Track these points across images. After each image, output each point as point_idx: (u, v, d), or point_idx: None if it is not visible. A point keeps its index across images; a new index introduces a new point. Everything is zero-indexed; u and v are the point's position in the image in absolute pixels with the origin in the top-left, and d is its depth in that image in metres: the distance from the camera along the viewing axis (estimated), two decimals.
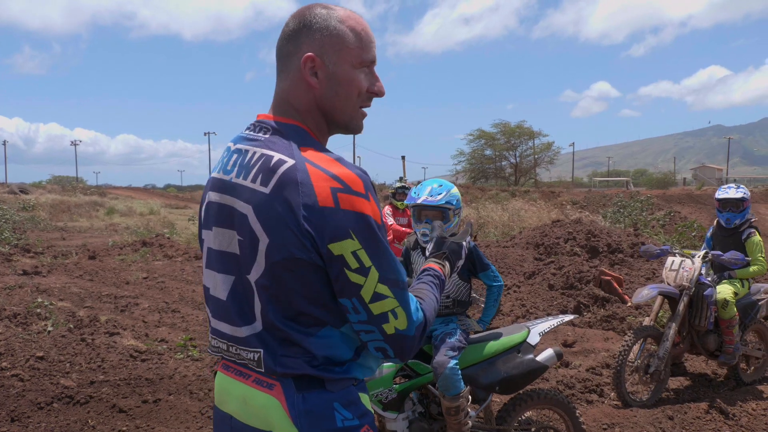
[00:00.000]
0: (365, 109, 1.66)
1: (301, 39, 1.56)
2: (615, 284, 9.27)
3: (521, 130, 71.09)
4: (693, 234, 13.96)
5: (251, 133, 1.59)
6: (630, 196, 24.27)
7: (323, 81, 1.56)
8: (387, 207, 9.58)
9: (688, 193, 35.70)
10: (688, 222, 15.88)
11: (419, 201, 3.65)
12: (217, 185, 1.60)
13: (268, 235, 1.43)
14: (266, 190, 1.44)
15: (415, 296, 1.60)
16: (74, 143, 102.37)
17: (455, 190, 3.74)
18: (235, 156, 1.58)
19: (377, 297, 1.43)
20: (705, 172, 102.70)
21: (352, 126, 1.66)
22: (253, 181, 1.48)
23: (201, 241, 1.71)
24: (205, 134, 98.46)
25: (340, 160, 1.47)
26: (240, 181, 1.52)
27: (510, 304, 9.29)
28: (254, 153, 1.52)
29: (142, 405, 4.90)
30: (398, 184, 9.81)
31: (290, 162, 1.44)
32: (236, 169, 1.55)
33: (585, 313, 8.89)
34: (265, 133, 1.55)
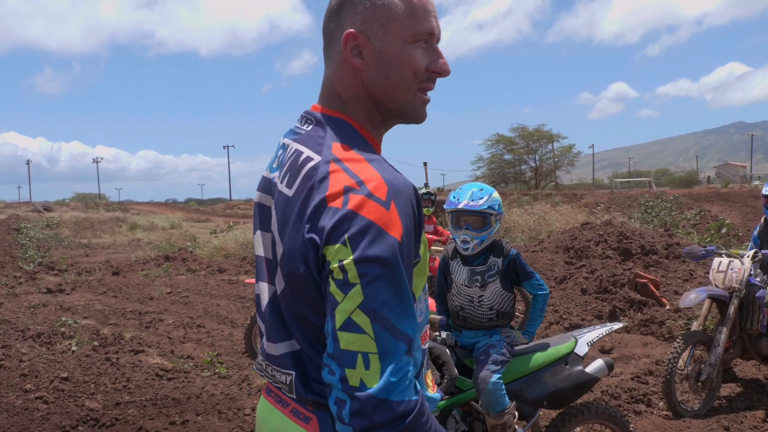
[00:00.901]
0: (429, 93, 1.40)
1: (343, 15, 1.34)
2: (651, 287, 8.95)
3: (540, 134, 70.50)
4: (723, 231, 13.55)
5: (298, 125, 1.41)
6: (656, 196, 23.79)
7: (370, 61, 1.33)
8: None
9: (715, 191, 35.05)
10: (720, 220, 15.45)
11: (460, 206, 3.43)
12: (262, 184, 1.45)
13: (282, 243, 1.26)
14: (290, 191, 1.27)
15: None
16: (96, 161, 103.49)
17: (497, 195, 3.51)
18: (280, 152, 1.42)
19: (350, 325, 1.10)
20: (728, 170, 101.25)
21: (410, 114, 1.39)
22: (282, 180, 1.32)
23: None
24: (224, 147, 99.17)
25: (375, 161, 1.23)
26: (276, 180, 1.36)
27: None
28: (291, 149, 1.36)
29: (170, 427, 4.71)
30: (423, 190, 9.60)
31: (316, 159, 1.25)
32: (278, 167, 1.39)
33: (622, 318, 8.58)
34: (308, 126, 1.37)
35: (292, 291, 1.26)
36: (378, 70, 1.33)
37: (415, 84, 1.36)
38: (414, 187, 1.24)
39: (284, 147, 1.40)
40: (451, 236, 3.62)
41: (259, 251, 1.41)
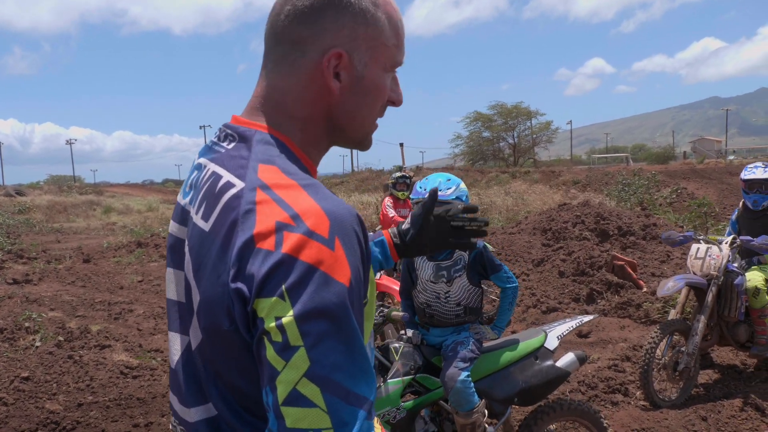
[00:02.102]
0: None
1: (323, 22, 1.10)
2: (629, 269, 8.89)
3: (518, 111, 70.47)
4: (704, 211, 13.56)
5: (217, 141, 1.18)
6: (633, 174, 23.83)
7: (346, 86, 1.13)
8: (388, 198, 9.21)
9: (692, 167, 35.28)
10: (698, 200, 15.47)
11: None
12: (177, 212, 1.20)
13: (199, 289, 1.02)
14: (206, 225, 1.03)
15: None
16: (70, 142, 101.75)
17: (464, 186, 3.37)
18: (194, 173, 1.18)
19: (297, 398, 0.89)
20: (704, 145, 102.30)
21: (366, 144, 1.24)
22: (197, 210, 1.08)
23: None
24: (200, 127, 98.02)
25: (311, 187, 1.01)
26: (189, 208, 1.13)
27: (519, 294, 8.90)
28: (207, 170, 1.12)
29: (133, 429, 4.53)
30: (398, 174, 9.40)
31: (238, 186, 1.01)
32: (191, 192, 1.15)
33: (599, 301, 8.52)
34: (229, 143, 1.13)
35: (212, 347, 1.03)
36: (353, 97, 1.15)
37: (379, 114, 1.21)
38: (357, 215, 1.03)
39: (199, 168, 1.16)
40: None
41: (171, 294, 1.17)
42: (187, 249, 1.08)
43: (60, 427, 4.53)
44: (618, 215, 11.35)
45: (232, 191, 1.01)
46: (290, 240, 0.92)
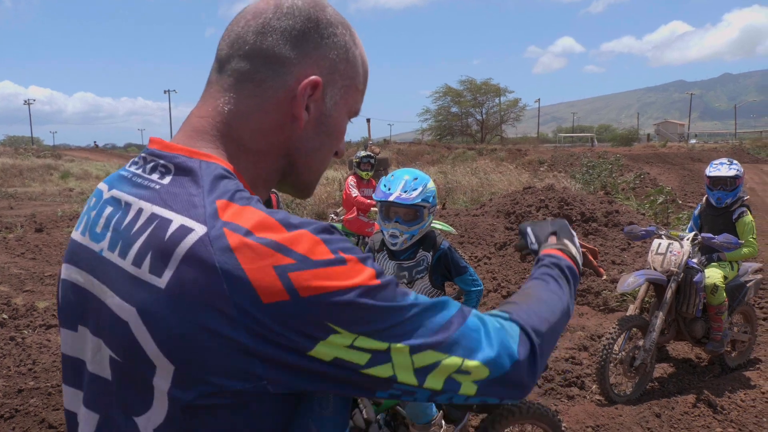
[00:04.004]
0: None
1: (306, 47, 0.98)
2: (590, 256, 8.82)
3: (487, 87, 70.57)
4: (664, 199, 13.70)
5: (140, 171, 0.97)
6: (598, 156, 24.02)
7: (312, 121, 1.01)
8: (351, 177, 9.04)
9: (655, 151, 35.73)
10: (657, 189, 15.62)
11: (391, 198, 3.11)
12: (79, 255, 0.99)
13: (171, 359, 0.83)
14: (160, 282, 0.84)
15: (503, 306, 1.04)
16: (28, 102, 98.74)
17: (432, 185, 3.21)
18: (109, 210, 0.96)
19: (426, 371, 0.88)
20: (667, 127, 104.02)
21: (312, 190, 1.11)
22: (137, 263, 0.87)
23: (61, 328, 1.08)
24: (165, 92, 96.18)
25: (282, 218, 0.87)
26: (115, 258, 0.91)
27: (481, 278, 8.86)
28: (140, 211, 0.91)
29: None
30: (362, 153, 9.22)
31: (199, 230, 0.84)
32: (109, 234, 0.93)
33: None
34: (162, 176, 0.93)
35: (204, 420, 0.85)
36: (316, 134, 1.03)
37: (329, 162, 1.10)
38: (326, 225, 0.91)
39: (116, 204, 0.96)
40: (379, 227, 3.32)
41: (68, 350, 1.00)
42: (130, 312, 0.86)
43: None
44: (581, 201, 11.38)
45: (191, 238, 0.83)
46: (300, 280, 0.81)
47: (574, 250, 1.30)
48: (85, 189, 24.93)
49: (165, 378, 0.83)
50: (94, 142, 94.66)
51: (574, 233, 1.40)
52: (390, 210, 3.19)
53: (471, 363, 0.90)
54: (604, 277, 8.79)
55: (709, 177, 5.55)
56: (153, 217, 0.88)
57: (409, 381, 0.87)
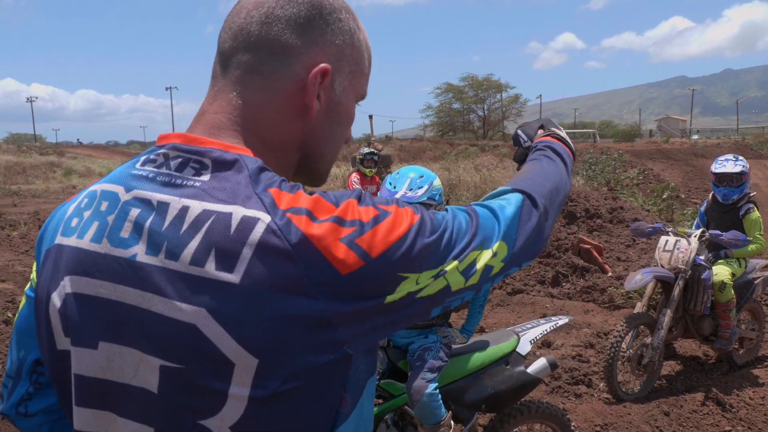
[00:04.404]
0: None
1: (312, 34, 0.97)
2: (595, 253, 8.88)
3: (489, 83, 70.44)
4: (669, 195, 13.66)
5: (162, 170, 0.92)
6: (600, 152, 23.96)
7: (323, 109, 1.00)
8: (354, 174, 9.03)
9: (657, 147, 35.65)
10: (661, 185, 15.58)
11: (397, 196, 3.08)
12: (94, 265, 0.90)
13: (255, 353, 0.82)
14: (232, 278, 0.82)
15: (513, 180, 1.14)
16: (30, 99, 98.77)
17: (438, 182, 3.18)
18: (136, 212, 0.89)
19: (469, 269, 0.95)
20: (669, 123, 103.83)
21: (324, 178, 1.10)
22: (198, 263, 0.83)
23: (52, 354, 0.98)
24: (166, 89, 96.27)
25: (329, 198, 0.90)
26: (160, 261, 0.85)
27: None
28: (184, 209, 0.86)
29: None
30: (366, 150, 9.21)
31: (264, 219, 0.83)
32: (145, 238, 0.87)
33: (564, 284, 8.51)
34: (197, 172, 0.89)
35: (278, 405, 0.85)
36: (328, 123, 1.02)
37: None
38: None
39: (146, 205, 0.90)
40: None
41: (92, 371, 0.92)
42: (197, 314, 0.83)
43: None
44: (586, 197, 11.34)
45: (259, 228, 0.83)
46: (371, 243, 0.86)
47: (563, 134, 1.39)
48: (88, 186, 24.92)
49: (246, 374, 0.83)
50: (77, 139, 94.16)
51: (558, 125, 1.50)
52: None
53: (496, 246, 0.98)
54: (610, 273, 8.76)
55: (715, 173, 5.52)
56: (206, 213, 0.85)
57: (459, 285, 0.94)
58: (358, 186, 8.76)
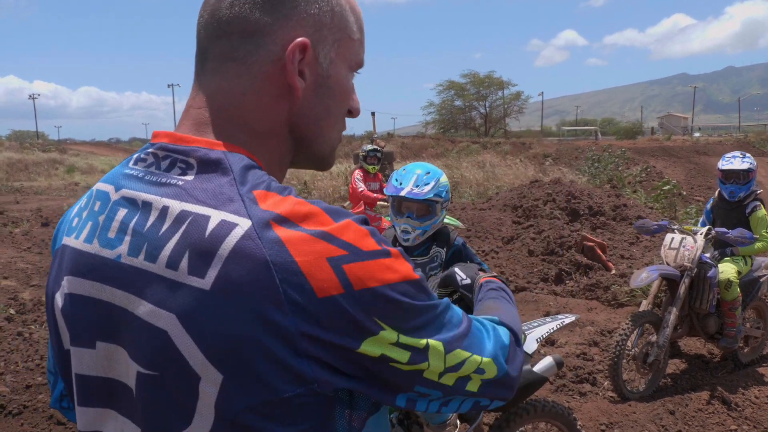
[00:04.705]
0: None
1: (282, 8, 0.90)
2: (598, 250, 8.85)
3: (490, 80, 70.38)
4: (671, 192, 13.62)
5: (151, 169, 0.89)
6: (603, 150, 23.91)
7: (310, 86, 0.93)
8: (357, 171, 8.98)
9: (659, 144, 35.57)
10: (662, 181, 15.52)
11: (402, 193, 3.05)
12: (86, 265, 0.89)
13: (220, 368, 0.77)
14: (203, 283, 0.77)
15: (484, 314, 1.08)
16: (33, 97, 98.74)
17: (444, 179, 3.14)
18: (122, 212, 0.88)
19: (453, 369, 0.88)
20: (671, 121, 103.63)
21: (330, 159, 1.04)
22: (172, 265, 0.80)
23: (60, 352, 0.97)
24: (168, 86, 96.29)
25: (325, 208, 0.83)
26: (140, 263, 0.83)
27: None
28: (164, 209, 0.83)
29: None
30: (369, 147, 9.16)
31: (243, 224, 0.78)
32: (128, 238, 0.85)
33: (567, 281, 8.48)
34: (183, 172, 0.86)
35: (254, 427, 0.79)
36: (318, 100, 0.95)
37: (342, 124, 1.01)
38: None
39: (132, 205, 0.87)
40: (390, 222, 3.26)
41: (88, 369, 0.90)
42: (169, 320, 0.79)
43: (5, 411, 4.30)
44: (589, 194, 11.31)
45: (236, 233, 0.77)
46: (356, 273, 0.78)
47: (503, 281, 1.40)
48: (90, 183, 24.89)
49: (211, 389, 0.77)
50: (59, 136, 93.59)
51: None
52: (402, 205, 3.13)
53: (485, 361, 0.92)
54: (613, 271, 8.74)
55: (722, 170, 5.48)
56: (184, 214, 0.81)
57: (431, 377, 0.86)
58: (361, 183, 8.72)
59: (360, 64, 1.01)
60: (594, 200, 10.94)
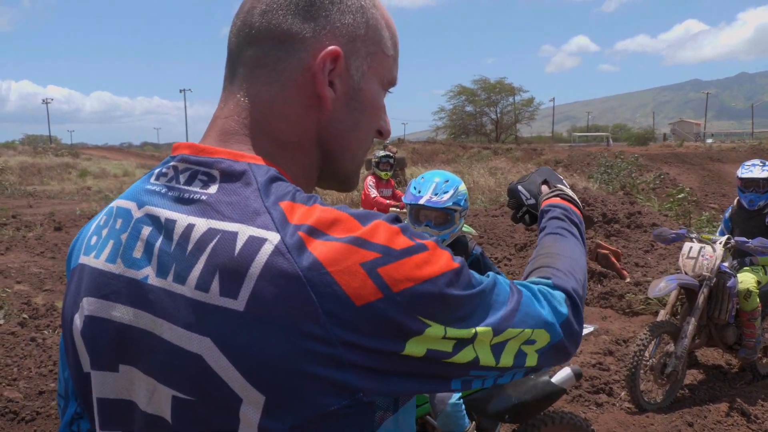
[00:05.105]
0: None
1: (317, 17, 0.87)
2: (613, 258, 8.65)
3: (501, 86, 70.29)
4: (685, 200, 13.51)
5: (172, 184, 0.86)
6: (615, 156, 23.80)
7: (340, 98, 0.90)
8: (370, 177, 8.95)
9: (672, 151, 35.37)
10: (676, 189, 15.41)
11: (421, 201, 3.02)
12: (109, 286, 0.85)
13: (261, 389, 0.73)
14: (237, 304, 0.74)
15: (538, 270, 1.03)
16: (46, 101, 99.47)
17: (463, 187, 3.11)
18: (147, 230, 0.84)
19: (502, 347, 0.84)
20: (683, 127, 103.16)
21: (355, 179, 1.00)
22: (202, 287, 0.76)
23: (80, 375, 0.93)
24: (180, 91, 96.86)
25: (353, 213, 0.80)
26: (169, 285, 0.79)
27: None
28: (190, 227, 0.79)
29: None
30: (381, 153, 9.14)
31: (272, 239, 0.75)
32: (155, 258, 0.81)
33: None
34: (205, 185, 0.82)
35: None
36: (347, 113, 0.91)
37: (370, 142, 0.98)
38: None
39: (155, 222, 0.83)
40: None
41: (109, 393, 0.87)
42: (202, 343, 0.76)
43: (19, 418, 4.29)
44: (603, 201, 11.22)
45: (266, 249, 0.74)
46: (390, 274, 0.75)
47: (570, 192, 1.32)
48: (102, 188, 25.02)
49: (254, 411, 0.74)
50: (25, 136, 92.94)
51: (560, 176, 1.41)
52: (420, 213, 3.10)
53: (537, 332, 0.88)
54: (628, 279, 8.64)
55: (741, 179, 5.41)
56: (211, 232, 0.78)
57: (488, 362, 0.83)
58: (373, 190, 8.69)
59: (393, 82, 0.98)
60: (608, 207, 10.86)
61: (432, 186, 3.04)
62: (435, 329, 0.77)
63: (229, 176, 0.82)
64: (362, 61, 0.91)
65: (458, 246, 3.19)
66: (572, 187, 9.15)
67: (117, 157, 49.80)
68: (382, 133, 0.99)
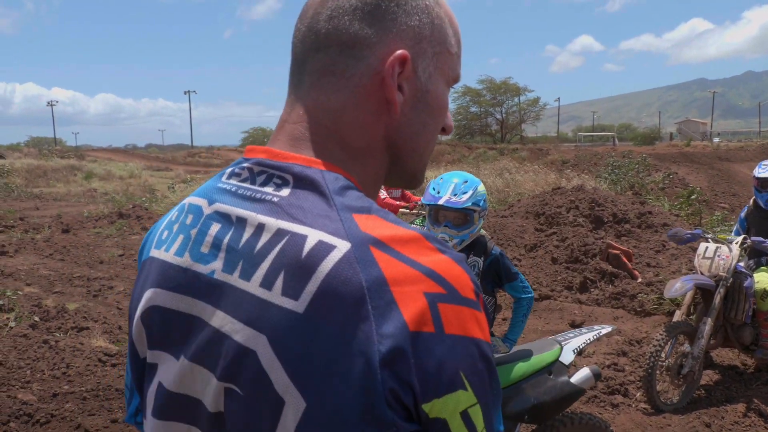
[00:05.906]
0: None
1: (383, 20, 0.86)
2: (624, 258, 8.72)
3: (507, 86, 70.21)
4: (693, 198, 13.44)
5: (245, 184, 0.86)
6: (622, 156, 23.72)
7: (408, 101, 0.89)
8: None
9: (680, 150, 35.27)
10: (687, 190, 15.33)
11: (440, 202, 3.00)
12: (176, 279, 0.87)
13: (304, 394, 0.72)
14: (296, 305, 0.73)
15: None
16: (51, 104, 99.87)
17: (482, 188, 3.09)
18: (216, 227, 0.85)
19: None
20: (689, 126, 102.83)
21: (421, 177, 0.99)
22: (266, 285, 0.76)
23: (136, 363, 0.95)
24: (185, 93, 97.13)
25: (428, 237, 0.78)
26: (235, 280, 0.80)
27: None
28: (260, 226, 0.80)
29: (111, 425, 4.28)
30: None
31: (343, 247, 0.74)
32: (223, 254, 0.82)
33: (592, 290, 8.37)
34: (278, 188, 0.83)
35: None
36: (416, 115, 0.90)
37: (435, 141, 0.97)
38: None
39: (226, 219, 0.85)
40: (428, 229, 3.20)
41: (172, 385, 0.87)
42: (258, 340, 0.75)
43: (33, 420, 4.28)
44: (613, 202, 11.17)
45: (335, 255, 0.73)
46: (450, 316, 0.73)
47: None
48: (108, 190, 25.06)
49: (292, 417, 0.72)
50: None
51: None
52: (439, 214, 3.08)
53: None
54: (639, 279, 8.59)
55: (758, 178, 5.37)
56: (281, 232, 0.77)
57: None
58: (383, 191, 8.66)
59: (457, 79, 0.96)
60: (618, 207, 10.80)
61: (451, 186, 3.02)
62: (467, 396, 0.74)
63: (302, 181, 0.82)
64: (429, 62, 0.90)
65: (477, 246, 3.17)
66: (581, 187, 9.08)
67: (122, 159, 49.92)
68: (446, 129, 0.98)
